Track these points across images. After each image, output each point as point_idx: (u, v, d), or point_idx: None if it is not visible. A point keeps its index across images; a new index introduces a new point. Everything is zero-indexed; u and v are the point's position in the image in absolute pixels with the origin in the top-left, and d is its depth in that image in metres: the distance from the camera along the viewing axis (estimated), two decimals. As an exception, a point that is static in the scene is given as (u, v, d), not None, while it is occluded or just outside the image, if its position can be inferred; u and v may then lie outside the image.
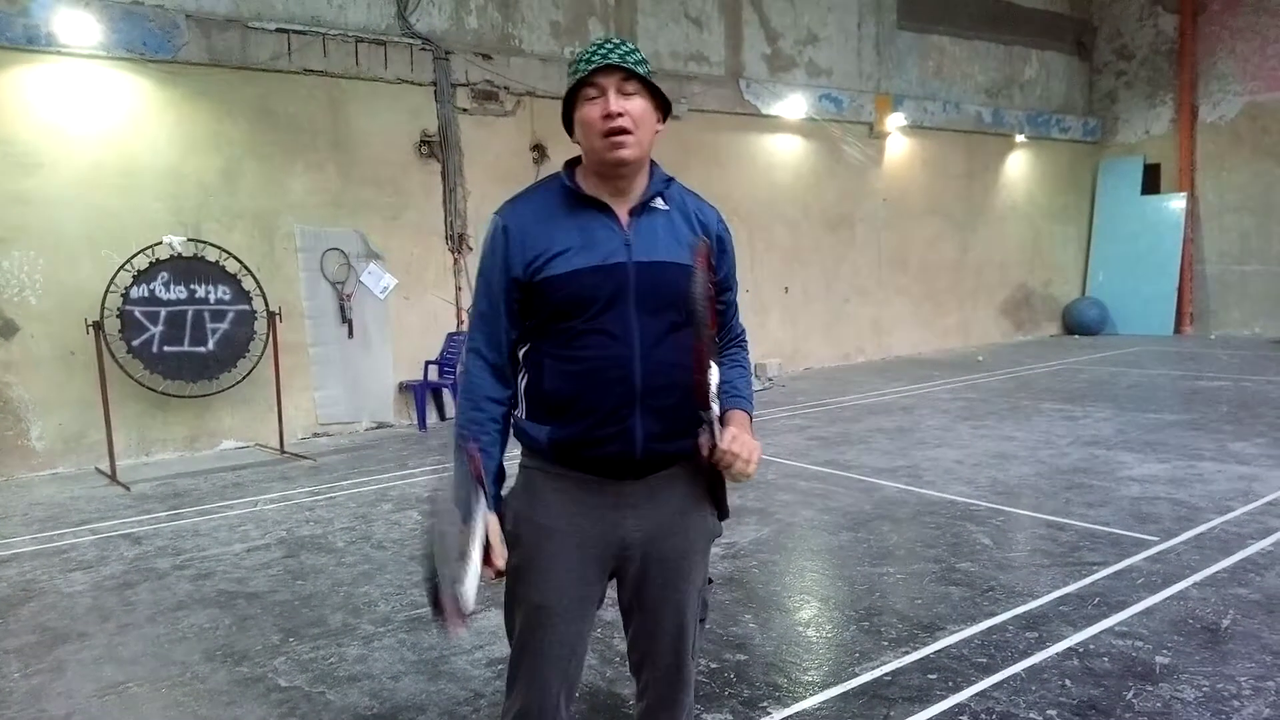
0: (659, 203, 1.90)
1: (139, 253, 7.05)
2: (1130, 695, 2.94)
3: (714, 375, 1.82)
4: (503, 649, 1.86)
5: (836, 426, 7.94)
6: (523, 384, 1.90)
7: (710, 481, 1.95)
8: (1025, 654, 3.28)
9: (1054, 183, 15.42)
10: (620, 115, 1.76)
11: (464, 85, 9.04)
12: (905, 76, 13.14)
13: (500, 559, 1.81)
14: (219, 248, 7.43)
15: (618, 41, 1.81)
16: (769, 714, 2.93)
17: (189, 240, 7.37)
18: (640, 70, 1.79)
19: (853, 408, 8.94)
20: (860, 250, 12.84)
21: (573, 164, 1.93)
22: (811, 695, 3.04)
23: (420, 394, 8.71)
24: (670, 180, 1.93)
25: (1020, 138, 14.63)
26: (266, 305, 7.57)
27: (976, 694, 2.99)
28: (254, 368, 7.57)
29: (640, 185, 1.88)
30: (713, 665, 3.27)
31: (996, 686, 3.04)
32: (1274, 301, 14.01)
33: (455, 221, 9.08)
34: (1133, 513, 5.00)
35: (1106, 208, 15.72)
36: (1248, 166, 14.22)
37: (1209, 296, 14.77)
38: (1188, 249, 14.72)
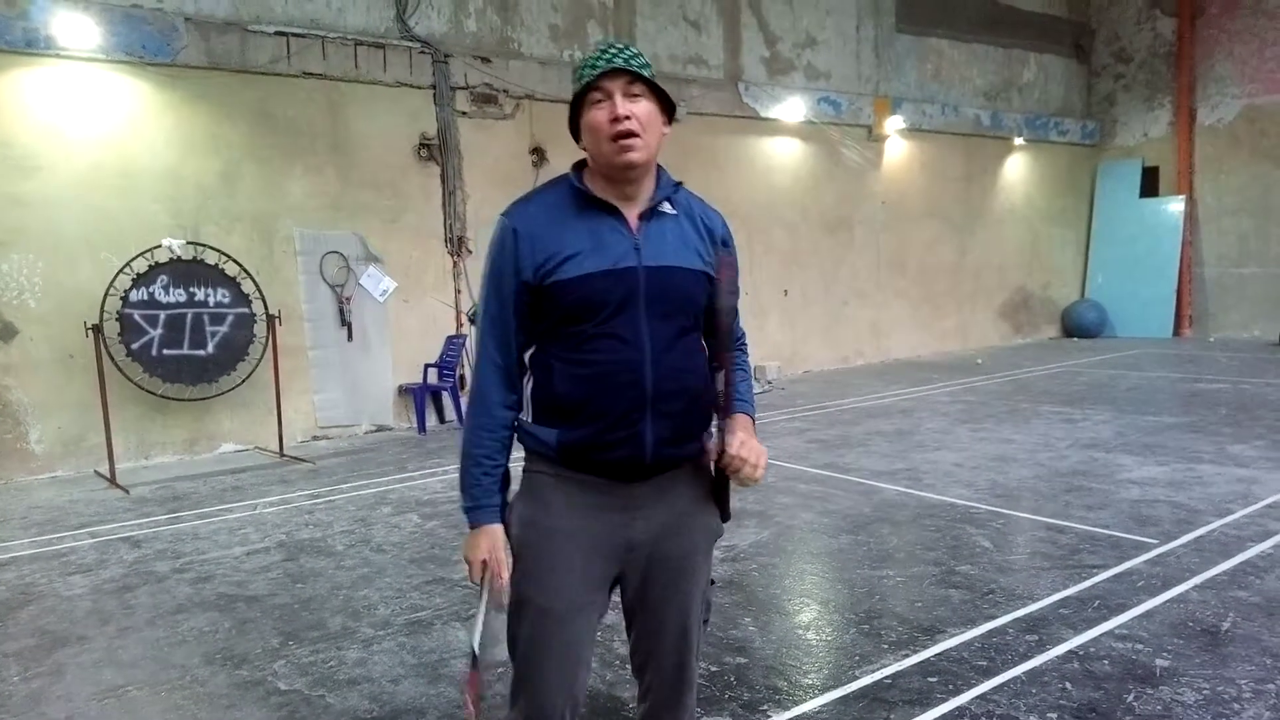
0: (667, 207, 1.90)
1: (138, 256, 7.06)
2: (1130, 698, 2.94)
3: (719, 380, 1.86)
4: (502, 652, 1.85)
5: (836, 429, 7.94)
6: (528, 387, 1.90)
7: (716, 483, 1.95)
8: (1025, 657, 3.28)
9: (1052, 185, 15.44)
10: (628, 118, 1.76)
11: (463, 88, 9.05)
12: (904, 79, 13.16)
13: (505, 570, 1.85)
14: (218, 251, 7.43)
15: (621, 46, 1.81)
16: (769, 717, 2.93)
17: (188, 243, 7.37)
18: (645, 73, 1.80)
19: (852, 410, 8.95)
20: (859, 253, 12.85)
21: (580, 166, 1.92)
22: (811, 698, 3.04)
23: (420, 397, 8.71)
24: (679, 185, 1.94)
25: (1019, 140, 14.66)
26: (266, 308, 7.57)
27: (977, 697, 2.99)
28: (253, 371, 7.57)
29: (648, 189, 1.89)
30: (713, 668, 3.27)
31: (997, 689, 3.04)
32: (1273, 304, 14.03)
33: (454, 225, 9.09)
34: (1132, 515, 5.01)
35: (1105, 210, 15.74)
36: (1246, 169, 14.24)
37: (1208, 299, 14.78)
38: (1186, 251, 14.74)
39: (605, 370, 1.80)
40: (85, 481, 6.91)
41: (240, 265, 7.49)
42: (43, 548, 5.17)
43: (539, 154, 9.49)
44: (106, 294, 6.92)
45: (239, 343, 7.48)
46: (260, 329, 7.56)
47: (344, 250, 8.44)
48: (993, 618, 3.65)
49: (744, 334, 2.12)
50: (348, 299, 8.47)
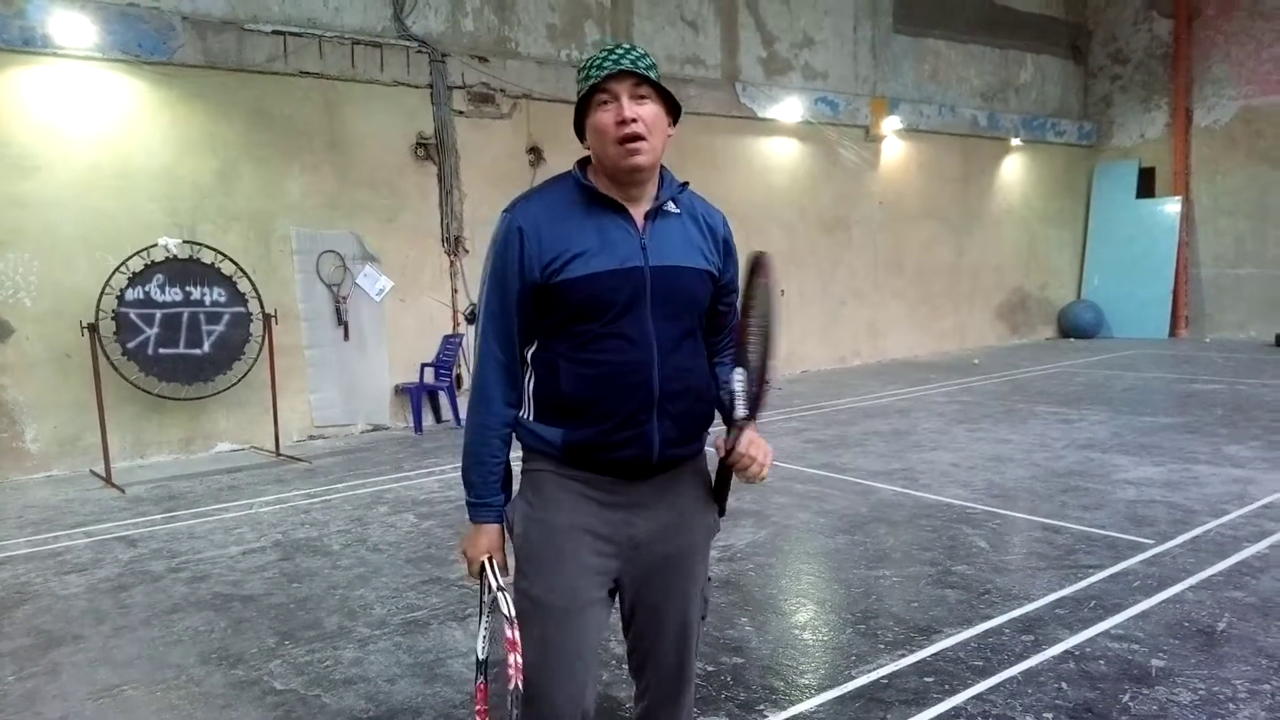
0: (671, 206, 1.90)
1: (134, 255, 7.04)
2: (1126, 698, 2.95)
3: (737, 377, 1.86)
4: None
5: (832, 429, 7.94)
6: (530, 385, 1.89)
7: (718, 480, 1.95)
8: (1021, 657, 3.28)
9: (1049, 186, 15.46)
10: (634, 121, 1.75)
11: (460, 88, 9.04)
12: (901, 80, 13.17)
13: (506, 569, 1.86)
14: (215, 250, 7.42)
15: (628, 47, 1.80)
16: (765, 717, 2.93)
17: (184, 242, 7.36)
18: (652, 75, 1.79)
19: (849, 411, 8.95)
20: (856, 253, 12.86)
21: (584, 163, 1.91)
22: (808, 698, 3.04)
23: (416, 396, 8.70)
24: (684, 185, 1.94)
25: (1016, 141, 14.68)
26: (262, 307, 7.56)
27: (973, 697, 2.99)
28: (249, 370, 7.56)
29: (652, 188, 1.88)
30: (709, 668, 3.27)
31: (993, 689, 3.04)
32: (1269, 305, 14.06)
33: (451, 224, 9.08)
34: (1128, 516, 5.01)
35: (1102, 211, 15.76)
36: (1242, 170, 14.27)
37: (1204, 300, 14.81)
38: (1183, 252, 14.77)
39: (613, 371, 1.80)
40: (81, 481, 6.89)
41: (236, 264, 7.48)
42: (38, 547, 5.16)
43: (536, 153, 9.49)
44: (102, 293, 6.90)
45: (235, 342, 7.46)
46: (256, 328, 7.55)
47: (341, 249, 8.43)
48: (989, 618, 3.66)
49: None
50: (344, 298, 8.46)
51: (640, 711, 2.07)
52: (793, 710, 2.97)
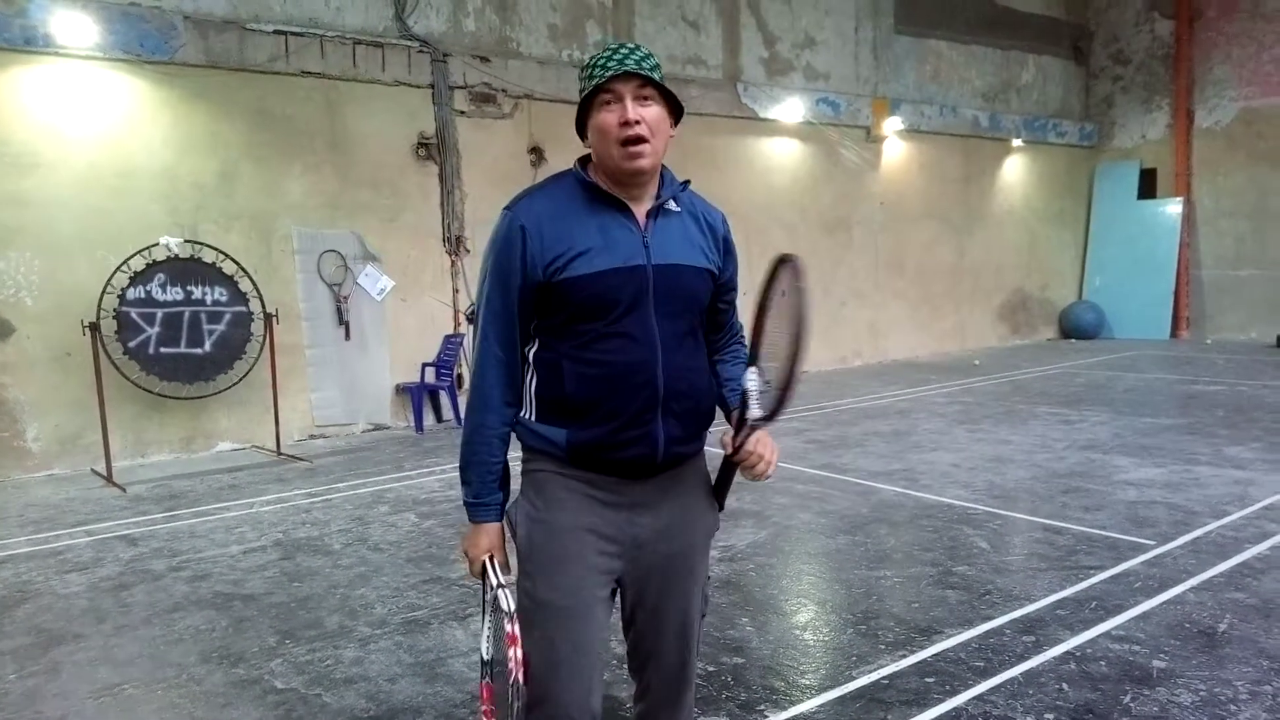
0: (672, 205, 1.89)
1: (136, 254, 7.05)
2: (1127, 699, 2.95)
3: (750, 376, 1.86)
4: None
5: (833, 430, 7.94)
6: (532, 386, 1.88)
7: (721, 476, 1.95)
8: (1022, 658, 3.28)
9: (1050, 187, 15.45)
10: (638, 123, 1.74)
11: (461, 88, 9.04)
12: (902, 80, 13.17)
13: (509, 569, 1.85)
14: (216, 249, 7.42)
15: (633, 47, 1.79)
16: (766, 717, 2.93)
17: (186, 241, 7.37)
18: (656, 76, 1.78)
19: (849, 411, 8.95)
20: (857, 254, 12.85)
21: (584, 161, 1.90)
22: (809, 699, 3.04)
23: (417, 396, 8.70)
24: (685, 184, 1.93)
25: (1017, 142, 14.67)
26: (263, 307, 7.56)
27: (973, 698, 2.99)
28: (250, 369, 7.56)
29: (654, 188, 1.87)
30: (710, 668, 3.27)
31: (993, 690, 3.04)
32: (1270, 306, 14.05)
33: (453, 224, 9.08)
34: (1129, 517, 5.01)
35: (1103, 212, 15.76)
36: (1243, 171, 14.27)
37: (1205, 301, 14.81)
38: (1184, 253, 14.76)
39: (618, 370, 1.79)
40: (82, 480, 6.90)
41: (238, 264, 7.49)
42: (39, 546, 5.17)
43: (537, 153, 9.49)
44: (104, 292, 6.91)
45: (236, 341, 7.47)
46: (258, 327, 7.55)
47: (342, 249, 8.43)
48: (990, 618, 3.65)
49: (742, 327, 2.13)
50: (345, 298, 8.46)
51: (640, 711, 2.07)
52: (793, 710, 2.97)
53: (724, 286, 1.98)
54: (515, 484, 1.96)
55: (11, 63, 6.86)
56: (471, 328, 1.91)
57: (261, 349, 7.56)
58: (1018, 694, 3.01)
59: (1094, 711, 2.87)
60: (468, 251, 9.11)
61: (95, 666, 3.48)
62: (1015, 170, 14.90)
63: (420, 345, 8.93)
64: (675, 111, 1.84)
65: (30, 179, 6.97)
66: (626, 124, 1.74)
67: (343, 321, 8.48)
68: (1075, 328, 15.28)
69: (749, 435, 1.82)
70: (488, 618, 1.88)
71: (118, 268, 6.98)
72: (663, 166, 1.89)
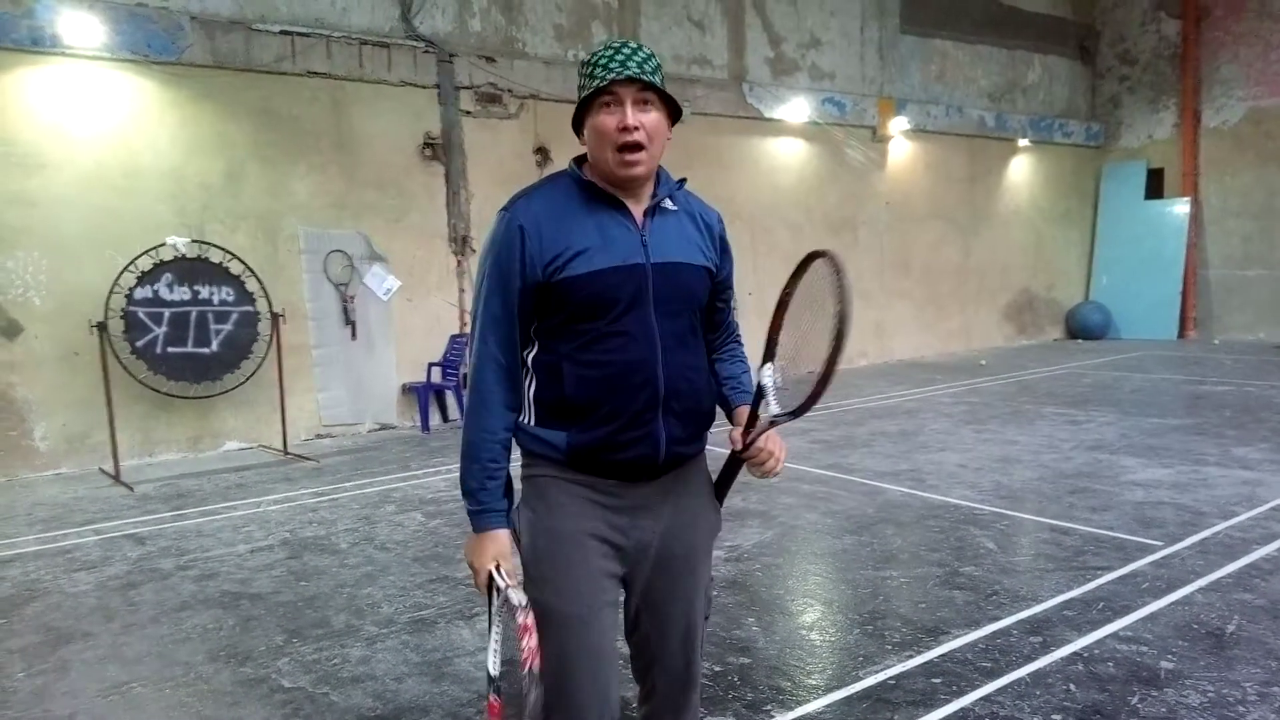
0: (669, 203, 1.89)
1: (143, 254, 7.06)
2: (1135, 700, 2.94)
3: (766, 373, 1.86)
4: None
5: (839, 430, 7.93)
6: (531, 389, 1.85)
7: (725, 473, 1.94)
8: (1029, 658, 3.27)
9: (1057, 187, 15.42)
10: (637, 129, 1.73)
11: (467, 88, 9.05)
12: (908, 80, 13.15)
13: (514, 577, 1.80)
14: (223, 249, 7.44)
15: (635, 47, 1.77)
16: (772, 717, 2.93)
17: (193, 241, 7.39)
18: (657, 80, 1.76)
19: (855, 411, 8.94)
20: (863, 254, 12.84)
21: (580, 160, 1.89)
22: (815, 699, 3.04)
23: (423, 396, 8.72)
24: (681, 183, 1.93)
25: (1023, 142, 14.64)
26: (270, 307, 7.58)
27: (980, 698, 2.99)
28: (257, 369, 7.58)
29: (650, 187, 1.86)
30: (716, 668, 3.27)
31: (1000, 691, 3.04)
32: (1277, 306, 14.01)
33: (458, 224, 9.10)
34: (1137, 517, 5.00)
35: (1109, 212, 15.72)
36: (1250, 171, 14.22)
37: (1212, 301, 14.76)
38: (1191, 254, 14.72)
39: (619, 370, 1.78)
40: (89, 479, 6.92)
41: (244, 263, 7.50)
42: (47, 544, 5.18)
43: (543, 154, 9.50)
44: (111, 292, 6.93)
45: (243, 341, 7.48)
46: (264, 327, 7.56)
47: (348, 249, 8.45)
48: (997, 619, 3.65)
49: (738, 325, 2.13)
50: (352, 298, 8.47)
51: (645, 714, 2.06)
52: (800, 710, 2.97)
53: (721, 285, 1.98)
54: (517, 486, 1.95)
55: (18, 63, 6.89)
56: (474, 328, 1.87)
57: (268, 349, 7.58)
58: (1025, 695, 3.00)
59: (1101, 712, 2.87)
60: (473, 251, 9.12)
61: (103, 665, 3.49)
62: (1021, 170, 14.87)
63: (426, 345, 8.94)
64: (674, 114, 1.83)
65: (37, 179, 6.99)
66: (625, 129, 1.73)
67: (349, 321, 8.50)
68: (1082, 328, 15.24)
69: (762, 432, 1.82)
70: (495, 629, 1.81)
71: (125, 267, 7.00)
72: (659, 166, 1.88)
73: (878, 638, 3.52)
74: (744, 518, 5.15)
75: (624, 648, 2.05)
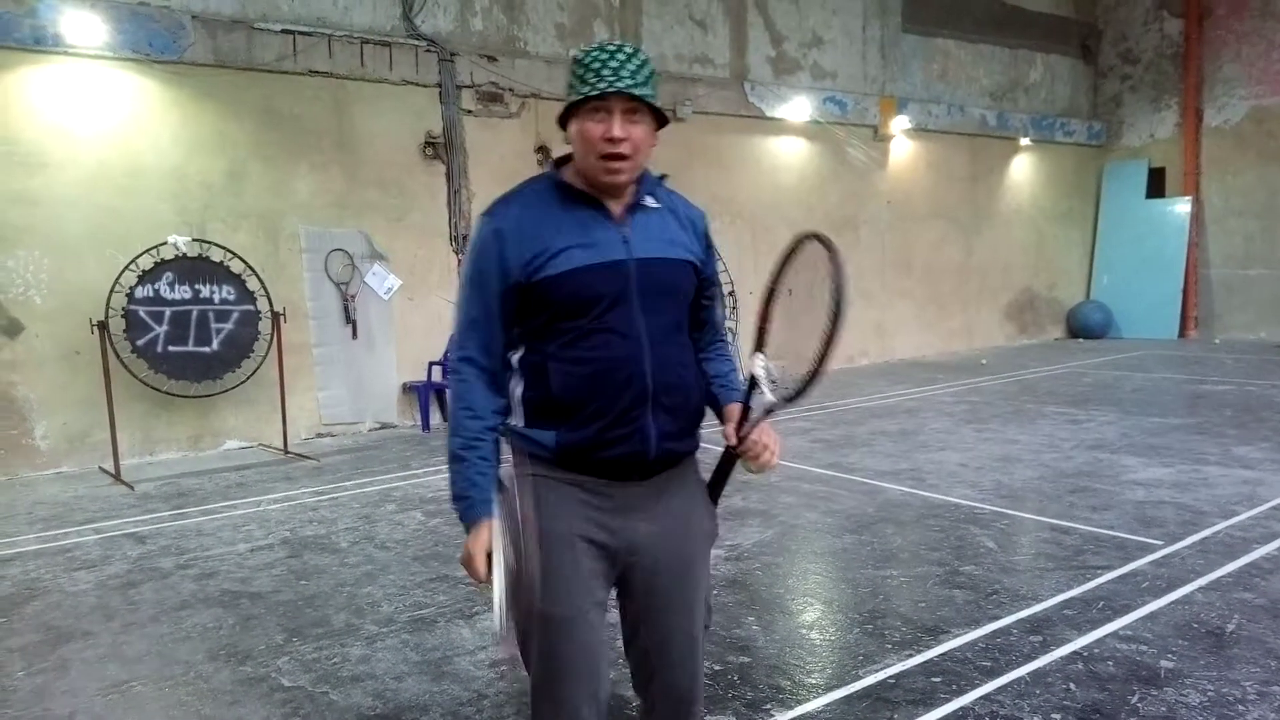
0: (650, 201, 1.89)
1: (144, 253, 7.07)
2: (1135, 699, 2.94)
3: (759, 362, 1.87)
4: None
5: (840, 429, 7.93)
6: (518, 391, 1.85)
7: (720, 469, 1.93)
8: (1029, 657, 3.27)
9: (1058, 186, 15.40)
10: (623, 141, 1.73)
11: (469, 87, 9.05)
12: (910, 79, 13.14)
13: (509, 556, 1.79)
14: (224, 248, 7.44)
15: (629, 53, 1.75)
16: (772, 716, 2.93)
17: (194, 240, 7.39)
18: (649, 91, 1.75)
19: (856, 410, 8.94)
20: (864, 253, 12.83)
21: (560, 162, 1.90)
22: (815, 698, 3.04)
23: (424, 395, 8.72)
24: (660, 180, 1.93)
25: (1025, 141, 14.63)
26: (271, 306, 7.58)
27: (980, 697, 2.99)
28: (258, 368, 7.58)
29: (631, 187, 1.86)
30: (716, 667, 3.27)
31: (1000, 690, 3.03)
32: (1278, 306, 13.99)
33: (459, 223, 9.09)
34: (1137, 516, 4.99)
35: (1111, 211, 15.70)
36: (1252, 170, 14.20)
37: (1213, 300, 14.74)
38: (1192, 253, 14.70)
39: (605, 367, 1.78)
40: (90, 477, 6.92)
41: (245, 262, 7.50)
42: (48, 543, 5.19)
43: (544, 153, 9.49)
44: (112, 290, 6.93)
45: (244, 340, 7.49)
46: (265, 326, 7.57)
47: (349, 248, 8.45)
48: (997, 618, 3.65)
49: (724, 323, 2.14)
50: (352, 296, 8.48)
51: None
52: (800, 710, 2.97)
53: (706, 282, 1.98)
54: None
55: (21, 62, 6.89)
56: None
57: (269, 348, 7.58)
58: (1025, 694, 3.00)
59: (1101, 711, 2.87)
60: (474, 250, 9.11)
61: (103, 664, 3.50)
62: (1023, 169, 14.86)
63: (427, 344, 8.93)
64: (660, 121, 1.82)
65: (39, 178, 7.00)
66: (612, 140, 1.73)
67: (350, 320, 8.50)
68: (1083, 327, 15.23)
69: (755, 424, 1.81)
70: (498, 586, 1.73)
71: (126, 266, 7.00)
72: None
73: (878, 637, 3.52)
74: (744, 517, 5.15)
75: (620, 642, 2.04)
